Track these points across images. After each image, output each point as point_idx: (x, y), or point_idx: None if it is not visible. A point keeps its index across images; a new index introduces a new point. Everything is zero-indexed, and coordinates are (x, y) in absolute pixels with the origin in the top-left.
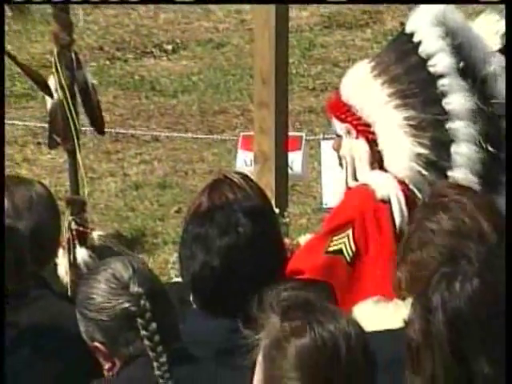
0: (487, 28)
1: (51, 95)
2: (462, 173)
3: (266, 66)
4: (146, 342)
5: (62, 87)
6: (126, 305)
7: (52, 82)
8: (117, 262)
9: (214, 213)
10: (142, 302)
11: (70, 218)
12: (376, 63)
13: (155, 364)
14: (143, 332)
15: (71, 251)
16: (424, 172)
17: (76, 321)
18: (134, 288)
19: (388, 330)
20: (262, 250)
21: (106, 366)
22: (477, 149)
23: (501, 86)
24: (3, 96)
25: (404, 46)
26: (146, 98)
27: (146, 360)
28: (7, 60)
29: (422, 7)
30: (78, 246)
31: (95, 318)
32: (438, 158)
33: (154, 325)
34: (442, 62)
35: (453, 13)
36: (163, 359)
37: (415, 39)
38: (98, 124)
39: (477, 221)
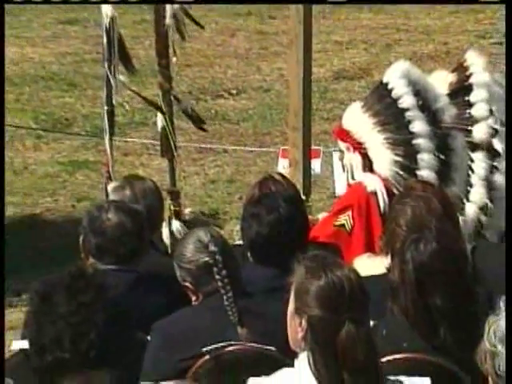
0: (439, 79)
1: (163, 112)
2: (425, 173)
3: (296, 104)
4: (219, 283)
5: (165, 118)
6: (206, 259)
7: (158, 115)
8: (200, 231)
9: (263, 199)
10: (217, 257)
11: (170, 202)
12: (364, 103)
13: (225, 297)
14: (217, 276)
15: (170, 223)
16: (400, 172)
17: (173, 269)
18: (212, 247)
19: (376, 275)
20: (295, 223)
21: (193, 298)
22: (433, 157)
23: (446, 115)
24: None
25: (382, 91)
26: (219, 124)
27: (219, 295)
28: (130, 98)
29: (393, 66)
30: (173, 221)
31: (186, 267)
32: (409, 163)
33: (224, 272)
34: (407, 101)
35: (413, 69)
36: (230, 294)
37: (389, 87)
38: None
39: (434, 204)
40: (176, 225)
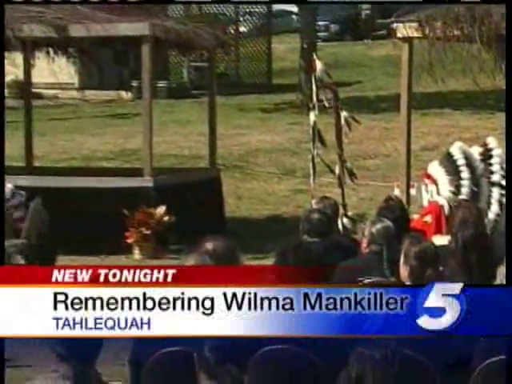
0: (475, 150)
1: (333, 171)
2: (464, 197)
3: (403, 162)
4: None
5: (339, 169)
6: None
7: (336, 168)
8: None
9: (387, 208)
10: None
11: (342, 209)
12: (439, 161)
13: (385, 264)
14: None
15: (342, 219)
16: (452, 197)
17: (342, 243)
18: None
19: (443, 245)
20: (402, 219)
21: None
22: (469, 190)
23: (479, 169)
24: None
25: (448, 157)
26: (364, 172)
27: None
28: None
29: (454, 144)
30: (344, 218)
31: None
32: (457, 192)
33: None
34: (460, 161)
35: (464, 145)
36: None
37: (452, 154)
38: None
39: (472, 211)
40: (345, 220)
